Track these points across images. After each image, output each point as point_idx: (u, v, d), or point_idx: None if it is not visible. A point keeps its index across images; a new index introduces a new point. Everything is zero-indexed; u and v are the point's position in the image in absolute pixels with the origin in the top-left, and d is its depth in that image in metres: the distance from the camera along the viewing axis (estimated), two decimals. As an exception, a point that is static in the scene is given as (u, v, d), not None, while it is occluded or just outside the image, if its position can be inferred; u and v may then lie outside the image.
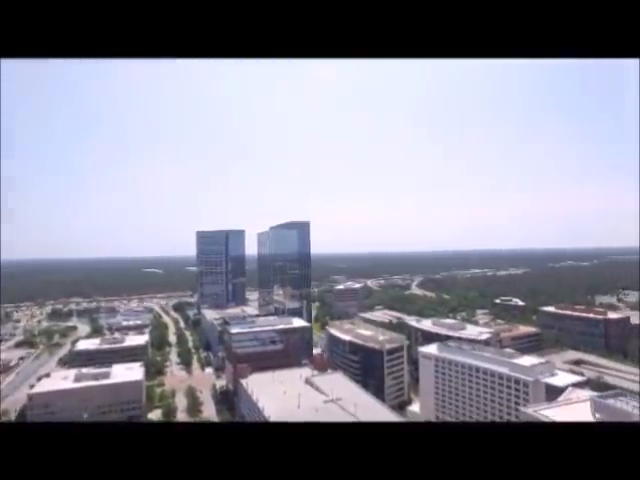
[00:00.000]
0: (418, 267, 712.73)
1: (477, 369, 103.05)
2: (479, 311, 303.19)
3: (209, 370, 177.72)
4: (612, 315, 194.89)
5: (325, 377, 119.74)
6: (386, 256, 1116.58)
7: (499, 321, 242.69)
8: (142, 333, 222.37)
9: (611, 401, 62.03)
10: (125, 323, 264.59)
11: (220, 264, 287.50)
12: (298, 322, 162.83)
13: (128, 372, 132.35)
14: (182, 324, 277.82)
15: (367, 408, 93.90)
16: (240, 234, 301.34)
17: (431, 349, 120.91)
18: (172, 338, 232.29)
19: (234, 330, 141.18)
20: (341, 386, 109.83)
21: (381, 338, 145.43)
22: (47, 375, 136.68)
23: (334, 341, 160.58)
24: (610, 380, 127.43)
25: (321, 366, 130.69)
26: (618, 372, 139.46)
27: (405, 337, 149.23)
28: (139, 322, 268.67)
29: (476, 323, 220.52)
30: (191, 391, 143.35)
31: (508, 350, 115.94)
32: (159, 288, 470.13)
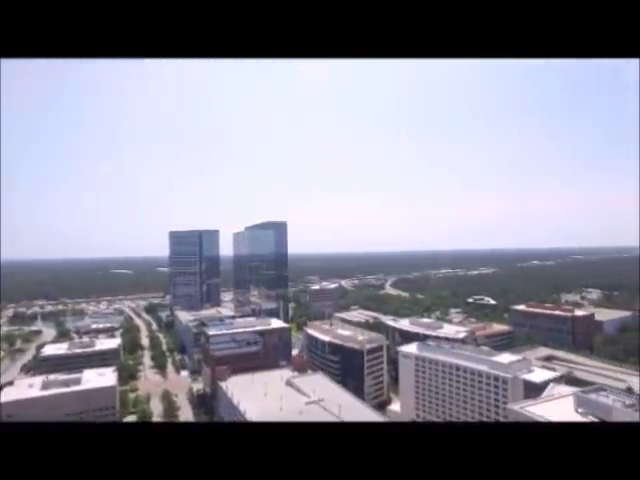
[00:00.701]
0: (391, 267, 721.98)
1: (457, 367, 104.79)
2: (452, 310, 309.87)
3: (185, 373, 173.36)
4: (578, 312, 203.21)
5: (306, 378, 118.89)
6: (358, 256, 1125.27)
7: (472, 320, 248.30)
8: (113, 336, 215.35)
9: (593, 396, 64.44)
10: (94, 326, 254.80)
11: (194, 265, 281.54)
12: (276, 323, 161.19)
13: (100, 377, 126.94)
14: (155, 326, 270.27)
15: (350, 409, 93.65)
16: (214, 234, 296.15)
17: (411, 348, 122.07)
18: (145, 341, 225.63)
19: (212, 332, 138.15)
20: (322, 387, 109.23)
21: (360, 338, 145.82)
22: (10, 383, 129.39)
23: (313, 342, 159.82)
24: (579, 375, 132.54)
25: (301, 367, 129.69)
26: (586, 367, 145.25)
27: (384, 337, 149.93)
28: (109, 325, 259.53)
29: (450, 322, 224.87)
30: (167, 395, 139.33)
31: (485, 348, 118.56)
32: (129, 289, 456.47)
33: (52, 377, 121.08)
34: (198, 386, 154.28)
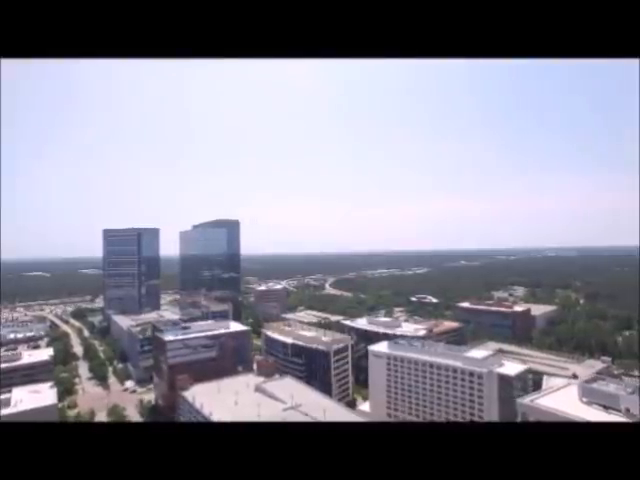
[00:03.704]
0: (327, 268, 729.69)
1: (431, 364, 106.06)
2: (396, 309, 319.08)
3: (130, 383, 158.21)
4: (517, 308, 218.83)
5: (275, 383, 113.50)
6: (294, 258, 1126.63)
7: (417, 317, 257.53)
8: (37, 347, 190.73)
9: (595, 385, 68.15)
10: (12, 336, 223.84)
11: (132, 265, 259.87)
12: (236, 326, 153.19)
13: (35, 396, 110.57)
14: (87, 333, 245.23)
15: (332, 413, 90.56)
16: (154, 233, 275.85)
17: (381, 347, 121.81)
18: (78, 350, 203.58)
19: (168, 337, 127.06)
20: (296, 391, 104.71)
21: (325, 339, 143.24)
22: None
23: (273, 344, 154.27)
24: (532, 366, 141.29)
25: (267, 371, 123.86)
26: (532, 358, 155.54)
27: (349, 337, 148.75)
28: (31, 334, 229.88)
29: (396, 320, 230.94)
30: (114, 410, 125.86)
31: (446, 344, 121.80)
32: (49, 294, 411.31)
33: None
34: (148, 397, 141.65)
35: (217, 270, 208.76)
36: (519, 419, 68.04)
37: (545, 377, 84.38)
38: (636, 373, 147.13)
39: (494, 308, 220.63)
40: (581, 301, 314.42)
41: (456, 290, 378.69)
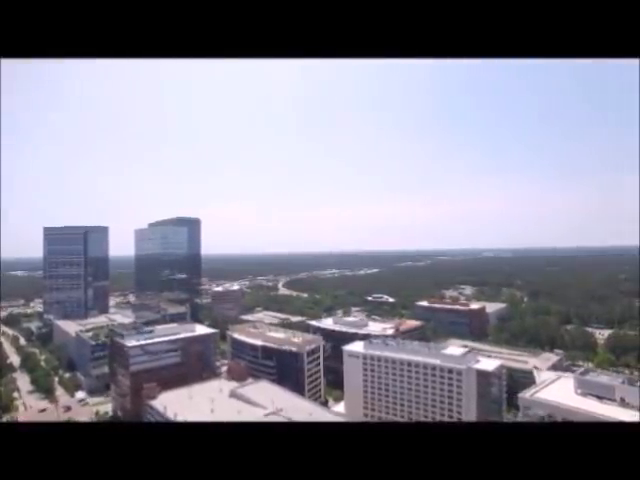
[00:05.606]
0: (278, 268, 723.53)
1: (409, 363, 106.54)
2: (353, 308, 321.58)
3: (81, 394, 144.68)
4: (473, 306, 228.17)
5: (250, 387, 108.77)
6: (242, 258, 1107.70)
7: (375, 317, 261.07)
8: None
9: (588, 377, 71.10)
10: None
11: (77, 266, 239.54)
12: (201, 329, 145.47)
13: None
14: (23, 341, 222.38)
15: (318, 417, 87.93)
16: (102, 231, 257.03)
17: (356, 347, 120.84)
18: (14, 359, 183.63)
19: (131, 342, 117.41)
20: (274, 395, 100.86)
21: (295, 340, 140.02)
22: None
23: (241, 347, 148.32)
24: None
25: (240, 376, 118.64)
26: (492, 352, 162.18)
27: (321, 338, 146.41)
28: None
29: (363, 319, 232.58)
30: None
31: (421, 342, 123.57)
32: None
33: None
34: (104, 408, 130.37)
35: (176, 270, 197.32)
36: (520, 414, 69.99)
37: (534, 371, 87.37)
38: (580, 364, 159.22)
39: (451, 306, 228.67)
40: (525, 298, 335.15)
41: (409, 289, 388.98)
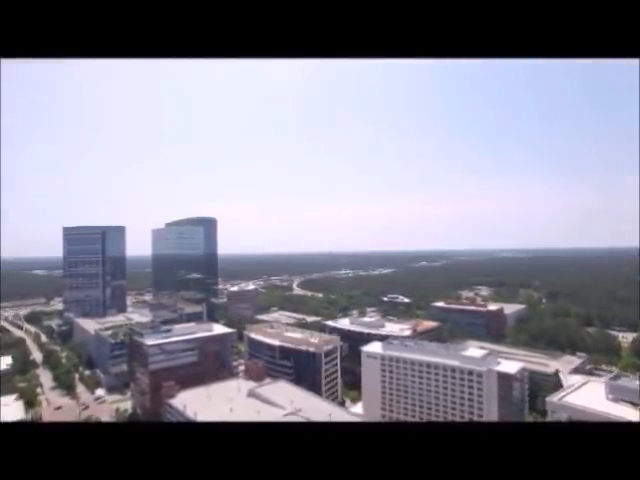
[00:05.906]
0: (292, 268, 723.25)
1: (428, 364, 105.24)
2: (369, 309, 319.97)
3: (100, 392, 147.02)
4: (491, 307, 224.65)
5: (268, 387, 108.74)
6: (256, 258, 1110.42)
7: (390, 317, 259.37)
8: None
9: (620, 382, 69.09)
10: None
11: (95, 265, 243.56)
12: (219, 328, 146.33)
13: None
14: (44, 338, 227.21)
15: (337, 418, 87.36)
16: (120, 231, 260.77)
17: (374, 348, 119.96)
18: (37, 356, 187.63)
19: (150, 341, 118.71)
20: (292, 395, 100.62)
21: (313, 340, 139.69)
22: None
23: (258, 346, 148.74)
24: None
25: (258, 376, 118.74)
26: (511, 355, 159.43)
27: (338, 338, 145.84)
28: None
29: (380, 320, 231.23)
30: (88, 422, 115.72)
31: (440, 344, 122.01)
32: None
33: None
34: (124, 405, 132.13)
35: (193, 270, 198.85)
36: (549, 417, 68.29)
37: (561, 375, 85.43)
38: (604, 367, 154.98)
39: (468, 307, 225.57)
40: (543, 300, 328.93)
41: (424, 290, 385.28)
